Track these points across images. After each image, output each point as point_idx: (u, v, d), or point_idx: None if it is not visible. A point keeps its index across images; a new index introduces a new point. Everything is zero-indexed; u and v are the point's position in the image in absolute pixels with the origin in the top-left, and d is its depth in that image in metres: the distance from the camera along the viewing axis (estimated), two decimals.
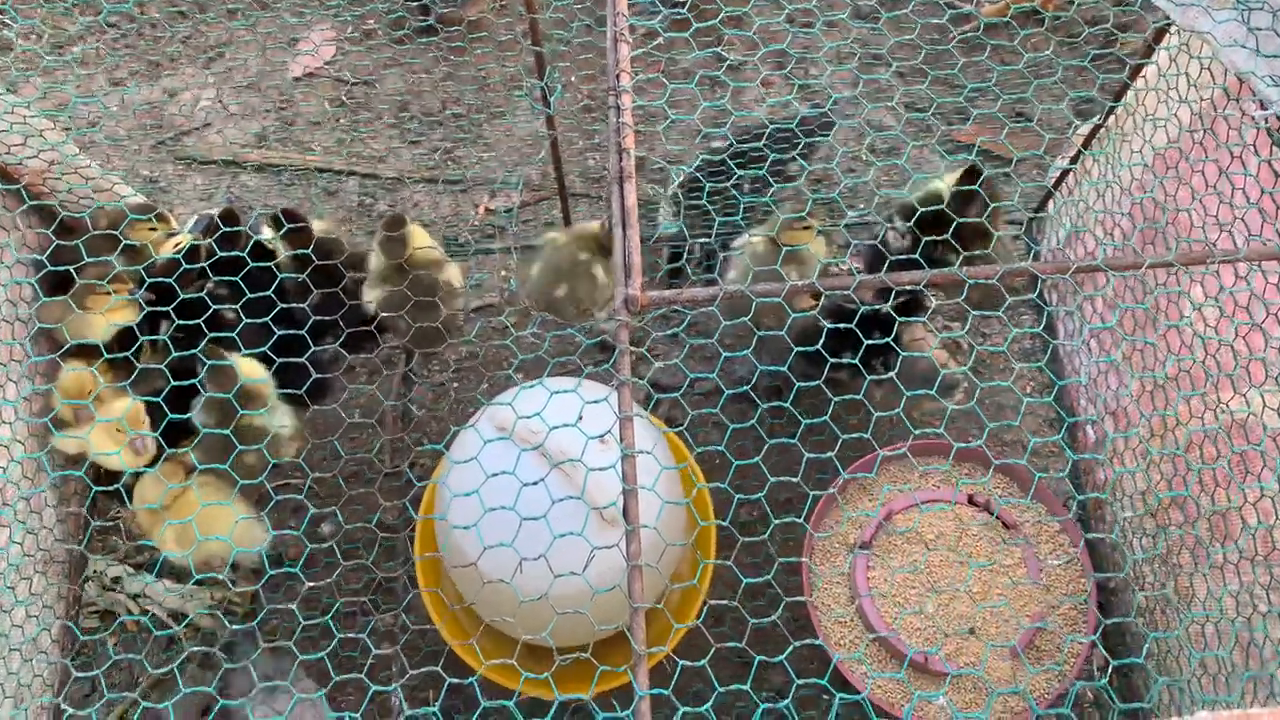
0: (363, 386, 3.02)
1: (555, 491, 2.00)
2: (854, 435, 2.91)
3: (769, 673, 2.68)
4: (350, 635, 2.10)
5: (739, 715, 2.62)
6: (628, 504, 1.47)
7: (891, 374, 2.80)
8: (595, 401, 1.84)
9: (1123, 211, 2.57)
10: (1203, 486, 2.19)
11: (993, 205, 2.54)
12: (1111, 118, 2.63)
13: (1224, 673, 2.15)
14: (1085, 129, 2.79)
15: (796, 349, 2.91)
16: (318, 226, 2.74)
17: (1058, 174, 2.97)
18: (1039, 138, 3.41)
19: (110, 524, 2.97)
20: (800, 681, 1.98)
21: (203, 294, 2.50)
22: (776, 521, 2.05)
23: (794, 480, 2.84)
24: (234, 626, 2.77)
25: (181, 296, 2.40)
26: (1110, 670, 2.55)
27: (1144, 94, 2.44)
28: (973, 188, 2.60)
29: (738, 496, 2.28)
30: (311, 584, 2.56)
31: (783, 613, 2.69)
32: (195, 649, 2.83)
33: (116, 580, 2.93)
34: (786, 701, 2.54)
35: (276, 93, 3.70)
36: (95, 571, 2.92)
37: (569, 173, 3.50)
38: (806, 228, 2.81)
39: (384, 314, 2.66)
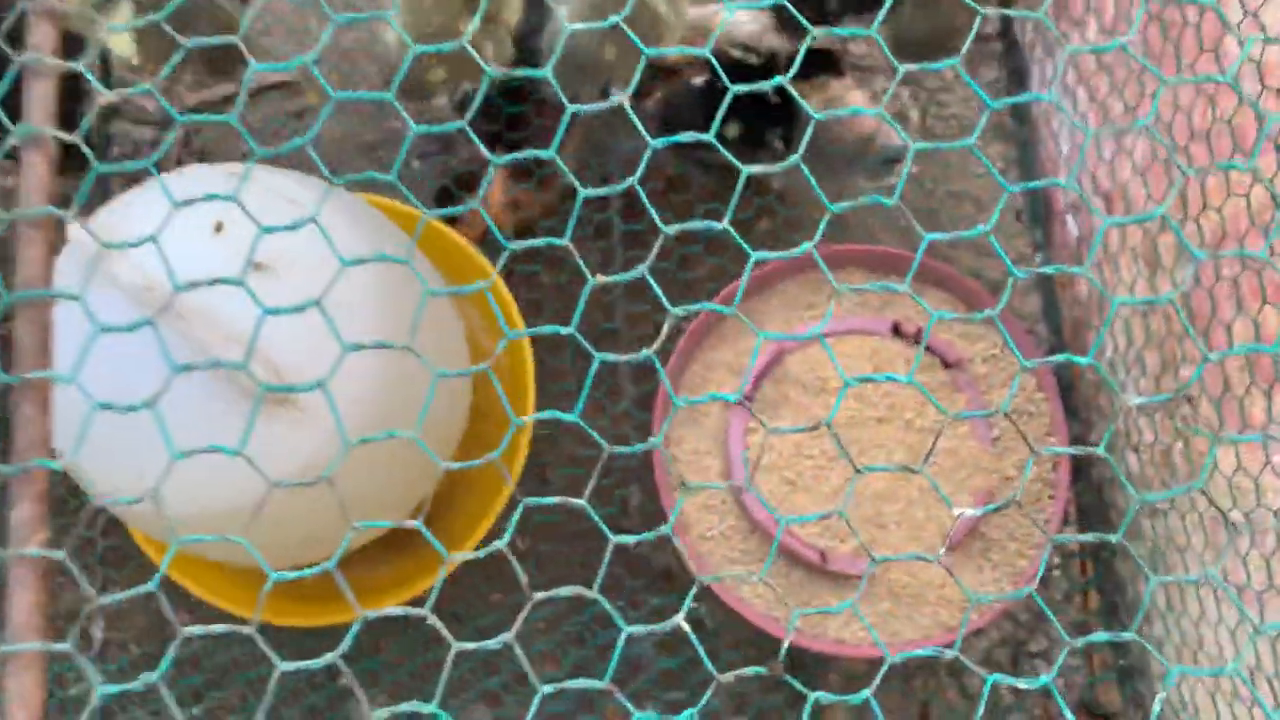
0: None
1: (182, 359, 1.21)
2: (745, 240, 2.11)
3: (622, 581, 1.95)
4: None
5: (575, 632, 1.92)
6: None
7: (795, 155, 1.96)
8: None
9: None
10: (1239, 303, 1.40)
11: None
12: None
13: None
14: None
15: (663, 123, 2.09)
16: None
17: None
18: None
19: None
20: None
21: None
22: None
23: (652, 311, 2.05)
24: None
25: None
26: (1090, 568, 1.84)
27: None
28: None
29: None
30: None
31: (640, 496, 1.96)
32: None
33: None
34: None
35: None
36: None
37: None
38: None
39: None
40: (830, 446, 1.74)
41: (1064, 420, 1.79)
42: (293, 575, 0.82)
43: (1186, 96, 1.49)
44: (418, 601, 1.68)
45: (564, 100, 0.85)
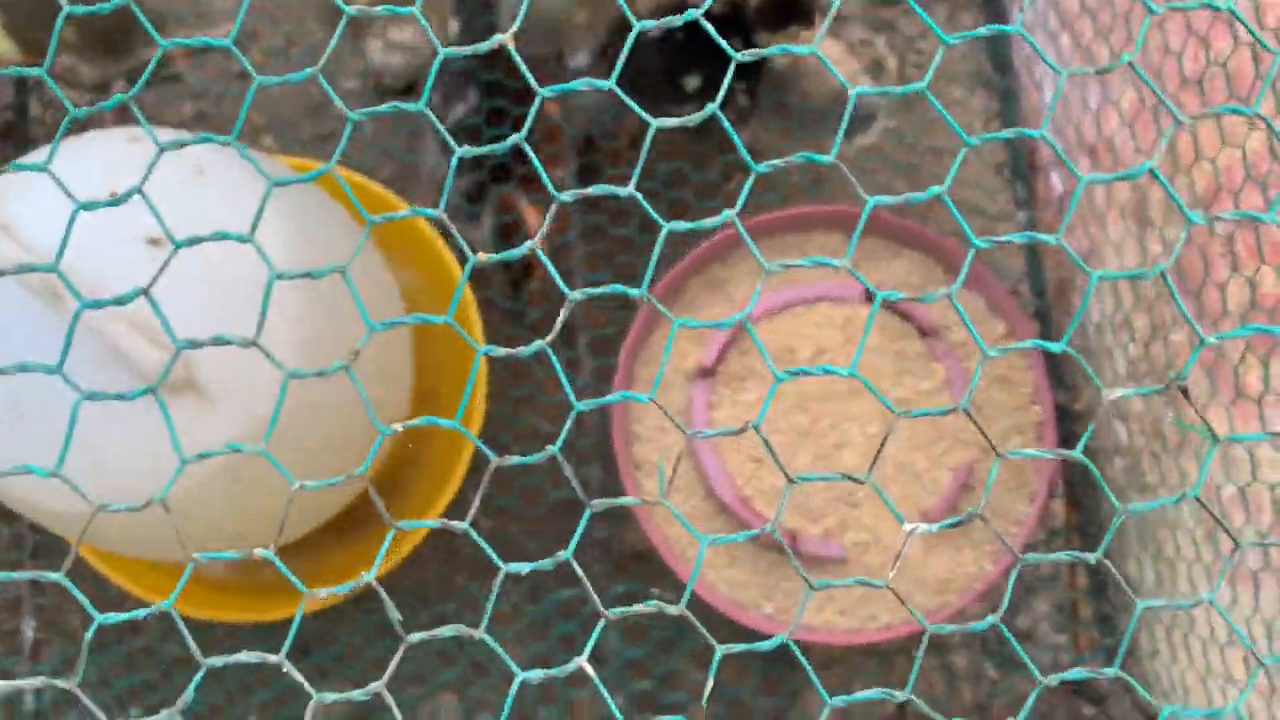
0: None
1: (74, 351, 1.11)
2: (709, 203, 1.98)
3: (588, 566, 1.85)
4: None
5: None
6: None
7: (751, 109, 1.84)
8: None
9: None
10: (1235, 264, 1.29)
11: None
12: None
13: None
14: None
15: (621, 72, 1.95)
16: None
17: None
18: None
19: None
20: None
21: None
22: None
23: (613, 278, 1.94)
24: None
25: None
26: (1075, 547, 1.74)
27: None
28: None
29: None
30: None
31: (601, 475, 1.86)
32: None
33: None
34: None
35: None
36: None
37: None
38: None
39: None
40: (800, 420, 1.64)
41: (1048, 387, 1.69)
42: (214, 556, 0.72)
43: (1177, 39, 1.38)
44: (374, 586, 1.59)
45: (533, 86, 0.73)
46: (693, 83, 1.79)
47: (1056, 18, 1.73)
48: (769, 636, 1.58)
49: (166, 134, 1.29)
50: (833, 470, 1.62)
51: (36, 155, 1.24)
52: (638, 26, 0.76)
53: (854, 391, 1.66)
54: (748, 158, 0.70)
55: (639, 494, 1.67)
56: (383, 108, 0.75)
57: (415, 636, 0.64)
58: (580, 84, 0.72)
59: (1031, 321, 1.77)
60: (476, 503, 0.71)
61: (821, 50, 2.00)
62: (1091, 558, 0.59)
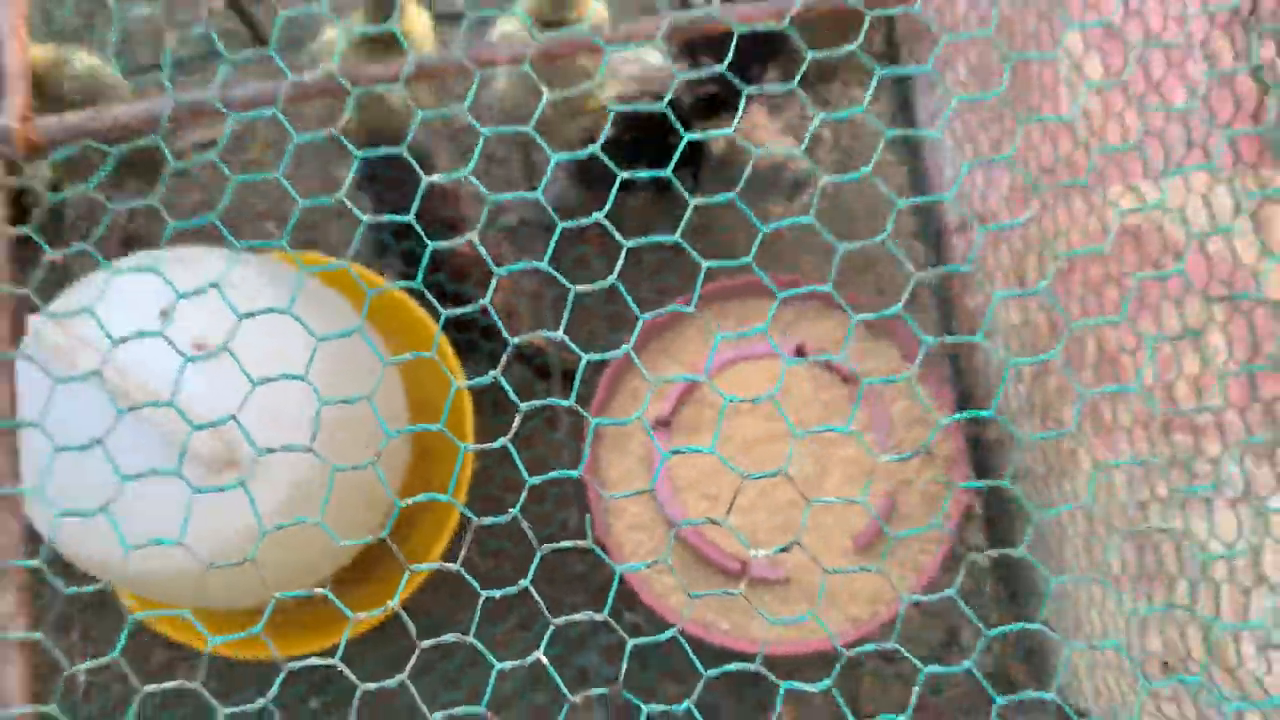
0: None
1: (135, 436, 1.37)
2: (667, 276, 2.27)
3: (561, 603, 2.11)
4: None
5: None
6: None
7: (695, 191, 2.12)
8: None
9: None
10: (1086, 314, 1.57)
11: None
12: None
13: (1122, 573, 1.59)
14: None
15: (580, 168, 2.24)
16: None
17: None
18: None
19: None
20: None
21: None
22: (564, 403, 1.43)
23: (587, 341, 2.21)
24: None
25: None
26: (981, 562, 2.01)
27: None
28: None
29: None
30: None
31: (576, 518, 2.12)
32: None
33: None
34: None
35: None
36: None
37: None
38: None
39: None
40: (746, 464, 1.90)
41: (959, 424, 1.96)
42: (290, 595, 0.97)
43: (1036, 135, 1.66)
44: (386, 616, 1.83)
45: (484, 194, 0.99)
46: (641, 173, 2.07)
47: (955, 75, 2.02)
48: (730, 650, 1.84)
49: (207, 257, 1.56)
50: (775, 502, 1.88)
51: (101, 276, 1.51)
52: (554, 160, 1.03)
53: (788, 435, 1.92)
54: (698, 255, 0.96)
55: (608, 532, 1.93)
56: (382, 218, 1.01)
57: (427, 642, 0.89)
58: (537, 192, 0.99)
59: (942, 370, 2.05)
60: (463, 552, 0.97)
61: (761, 129, 2.31)
62: (1017, 550, 0.85)
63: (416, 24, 1.93)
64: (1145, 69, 1.37)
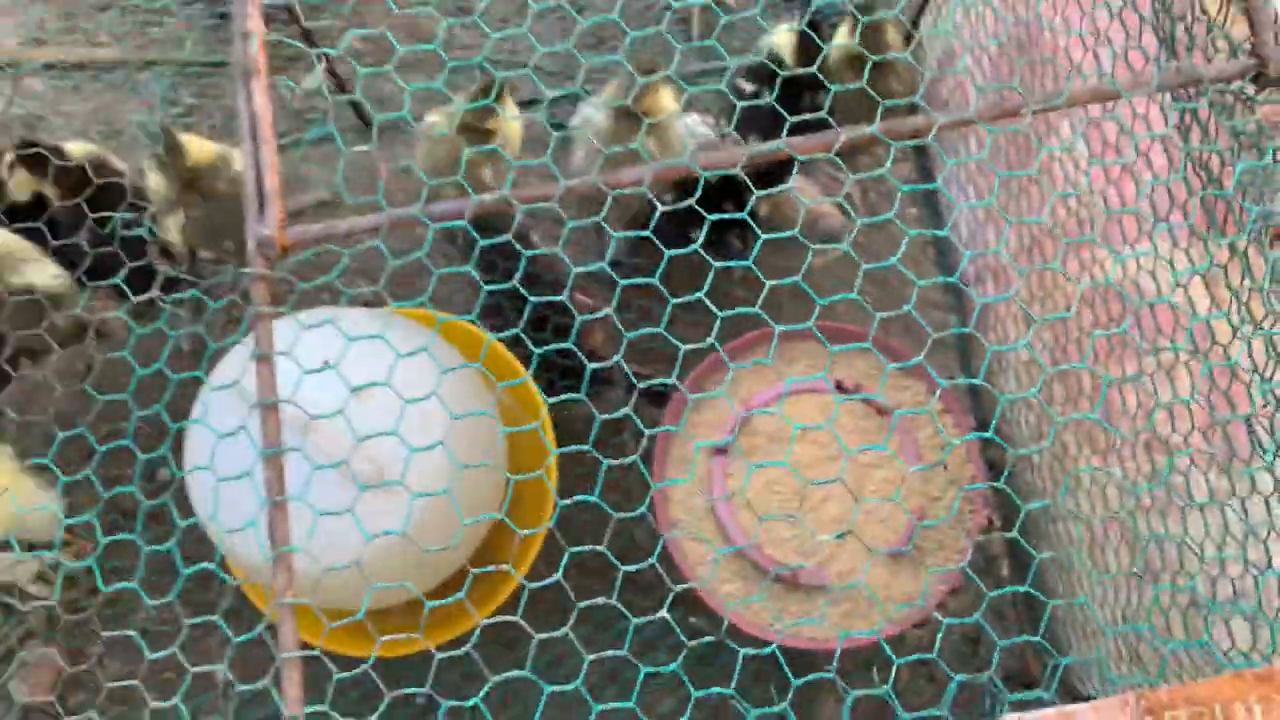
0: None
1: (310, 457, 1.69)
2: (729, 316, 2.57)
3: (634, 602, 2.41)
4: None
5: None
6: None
7: (749, 255, 2.44)
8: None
9: (988, 34, 2.16)
10: (1081, 356, 1.87)
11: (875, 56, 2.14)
12: None
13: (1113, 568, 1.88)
14: None
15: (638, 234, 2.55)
16: (77, 151, 2.39)
17: None
18: None
19: None
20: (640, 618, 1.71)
21: None
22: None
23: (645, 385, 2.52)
24: None
25: None
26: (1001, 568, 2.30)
27: None
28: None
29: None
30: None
31: (644, 533, 2.42)
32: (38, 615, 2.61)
33: None
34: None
35: None
36: None
37: None
38: (661, 83, 2.38)
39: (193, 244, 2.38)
40: (795, 484, 2.20)
41: (978, 449, 2.25)
42: (448, 601, 1.28)
43: (1038, 195, 1.98)
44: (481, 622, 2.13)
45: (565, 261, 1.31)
46: (696, 235, 2.40)
47: (964, 173, 2.34)
48: (786, 648, 2.13)
49: (358, 317, 1.89)
50: (821, 517, 2.18)
51: (281, 332, 1.84)
52: (614, 237, 1.35)
53: (832, 459, 2.23)
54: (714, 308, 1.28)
55: (675, 546, 2.23)
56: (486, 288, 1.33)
57: (542, 635, 1.19)
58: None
59: (960, 401, 2.35)
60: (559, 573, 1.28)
61: (797, 188, 2.63)
62: (1011, 532, 1.15)
63: (511, 126, 2.28)
64: (1120, 155, 1.68)
